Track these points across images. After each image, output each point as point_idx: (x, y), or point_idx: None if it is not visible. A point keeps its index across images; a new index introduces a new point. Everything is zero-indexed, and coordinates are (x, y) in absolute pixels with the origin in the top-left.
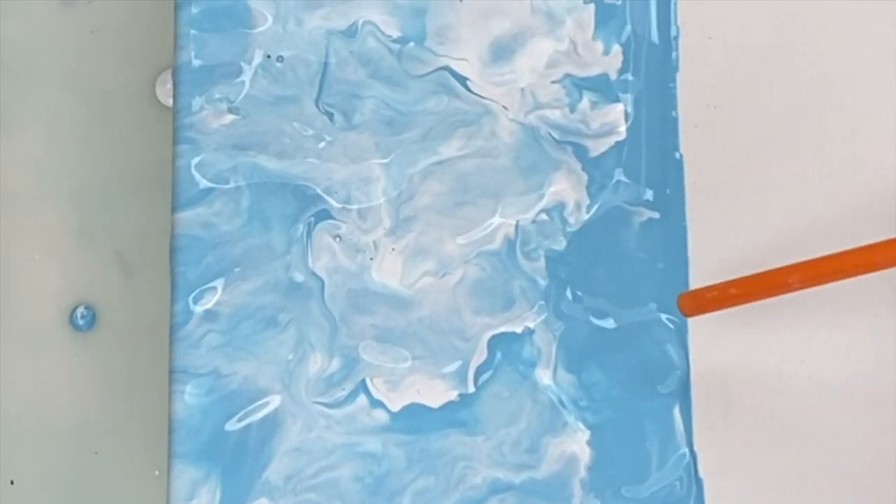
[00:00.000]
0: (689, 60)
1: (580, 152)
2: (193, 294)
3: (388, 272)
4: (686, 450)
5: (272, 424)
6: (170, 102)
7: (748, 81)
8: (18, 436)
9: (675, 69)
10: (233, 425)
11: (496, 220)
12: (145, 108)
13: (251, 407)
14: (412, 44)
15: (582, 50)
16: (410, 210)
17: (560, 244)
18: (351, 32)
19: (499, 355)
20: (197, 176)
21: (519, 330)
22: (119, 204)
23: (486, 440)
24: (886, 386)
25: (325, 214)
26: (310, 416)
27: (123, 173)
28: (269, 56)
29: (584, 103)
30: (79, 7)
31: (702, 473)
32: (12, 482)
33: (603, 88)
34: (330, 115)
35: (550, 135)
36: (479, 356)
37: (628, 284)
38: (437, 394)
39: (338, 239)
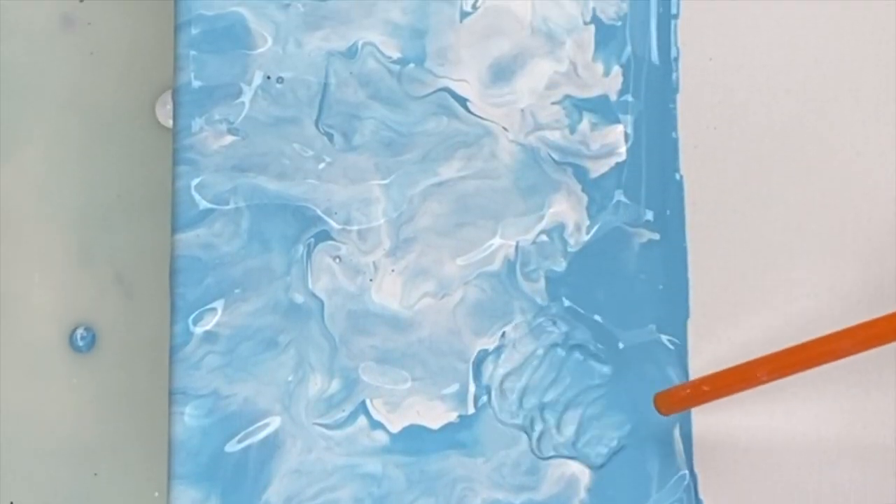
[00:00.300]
0: (690, 81)
1: (580, 173)
2: (193, 315)
3: (387, 293)
4: (686, 471)
5: (272, 446)
6: (170, 123)
7: (748, 103)
8: (18, 457)
9: (676, 90)
10: (233, 446)
11: (496, 241)
12: (145, 129)
13: (251, 428)
14: (412, 65)
15: (582, 71)
16: (410, 231)
17: (560, 265)
18: (351, 53)
19: None
20: (197, 197)
21: None
22: (119, 225)
23: (486, 462)
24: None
25: (324, 235)
26: (310, 438)
27: (123, 194)
28: (268, 77)
29: (584, 124)
30: (78, 28)
31: (702, 495)
32: (12, 503)
33: (603, 109)
34: (330, 136)
35: (550, 156)
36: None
37: (628, 305)
38: (436, 415)
39: (338, 260)
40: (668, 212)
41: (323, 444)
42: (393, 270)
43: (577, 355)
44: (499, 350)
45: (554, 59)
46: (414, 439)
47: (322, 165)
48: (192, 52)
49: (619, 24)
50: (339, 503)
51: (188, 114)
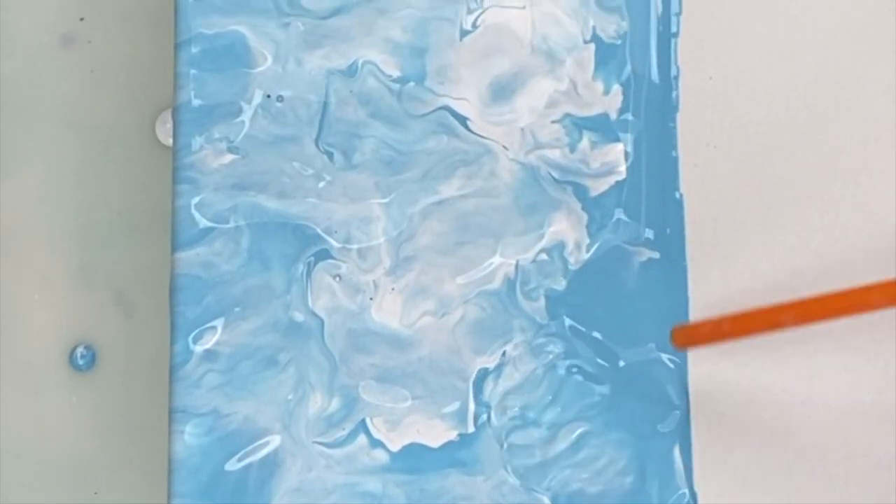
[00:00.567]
0: (690, 100)
1: (580, 192)
2: (193, 334)
3: (387, 312)
4: (686, 490)
5: (272, 464)
6: (169, 142)
7: (748, 121)
8: (18, 475)
9: (676, 109)
10: (233, 465)
11: (496, 259)
12: (145, 147)
13: (251, 447)
14: (412, 83)
15: (582, 90)
16: (410, 250)
17: (560, 284)
18: (351, 72)
19: None
20: (197, 215)
21: None
22: (119, 243)
23: (486, 480)
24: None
25: (324, 254)
26: (310, 456)
27: (123, 213)
28: (268, 96)
29: (584, 143)
30: (78, 47)
31: None
32: None
33: (603, 128)
34: (330, 155)
35: (550, 174)
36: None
37: (629, 324)
38: (436, 434)
39: (338, 279)
40: (668, 230)
41: (323, 462)
42: (393, 289)
43: (577, 374)
44: (499, 369)
45: (554, 77)
46: (414, 458)
47: (322, 184)
48: (193, 71)
49: (619, 42)
50: None
51: (188, 132)
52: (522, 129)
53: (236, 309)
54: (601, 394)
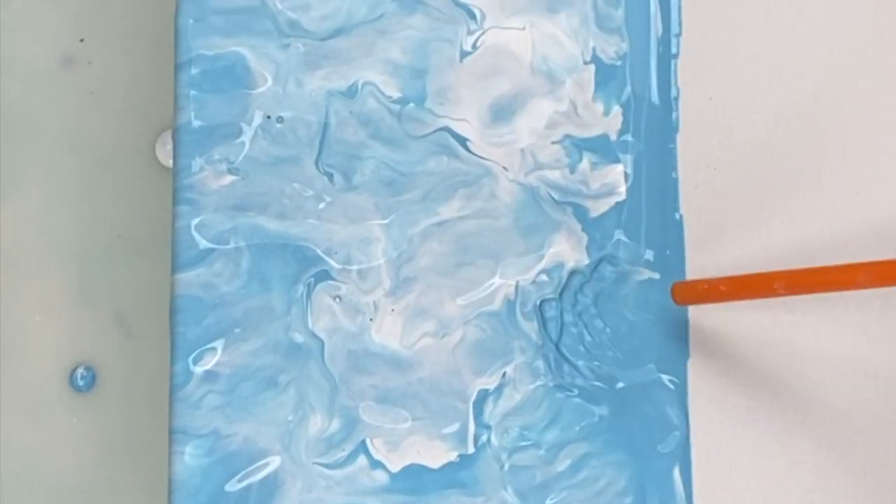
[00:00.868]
0: (690, 121)
1: (580, 213)
2: (193, 355)
3: (387, 333)
4: None
5: (272, 485)
6: (170, 163)
7: (748, 142)
8: (19, 497)
9: (676, 130)
10: (233, 486)
11: (496, 280)
12: (145, 168)
13: (251, 468)
14: (412, 104)
15: (582, 111)
16: (410, 271)
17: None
18: (351, 93)
19: None
20: (197, 236)
21: None
22: (119, 265)
23: (486, 501)
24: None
25: (324, 275)
26: (310, 477)
27: (123, 234)
28: (268, 117)
29: (584, 164)
30: (78, 68)
31: None
32: None
33: (603, 149)
34: (330, 176)
35: (550, 195)
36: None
37: (628, 345)
38: (436, 454)
39: (338, 300)
40: (667, 251)
41: (323, 483)
42: (393, 310)
43: (577, 395)
44: (499, 389)
45: (554, 98)
46: (414, 479)
47: (322, 205)
48: (193, 92)
49: (619, 63)
50: None
51: (188, 153)
52: (522, 150)
53: (236, 330)
54: (601, 415)
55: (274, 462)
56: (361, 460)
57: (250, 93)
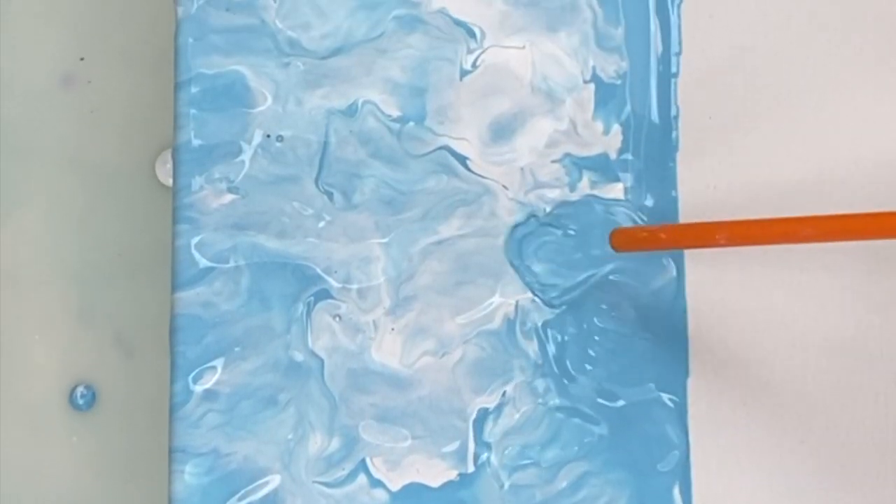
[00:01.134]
0: (690, 140)
1: None
2: (193, 374)
3: (387, 352)
4: None
5: None
6: (169, 182)
7: (748, 163)
8: None
9: (675, 149)
10: None
11: (496, 299)
12: (145, 187)
13: (251, 486)
14: (412, 123)
15: (582, 129)
16: (410, 290)
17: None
18: (351, 112)
19: None
20: (197, 255)
21: None
22: (119, 283)
23: None
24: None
25: (324, 294)
26: (310, 496)
27: (123, 253)
28: (268, 136)
29: (584, 182)
30: (78, 87)
31: None
32: None
33: (603, 168)
34: (330, 195)
35: None
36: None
37: (628, 364)
38: (436, 473)
39: (337, 318)
40: None
41: (323, 502)
42: (393, 329)
43: (577, 414)
44: (499, 408)
45: (554, 117)
46: (414, 497)
47: (322, 224)
48: (192, 111)
49: (619, 82)
50: None
51: (188, 172)
52: (522, 169)
53: (236, 349)
54: (601, 434)
55: (274, 481)
56: (361, 479)
57: (250, 111)
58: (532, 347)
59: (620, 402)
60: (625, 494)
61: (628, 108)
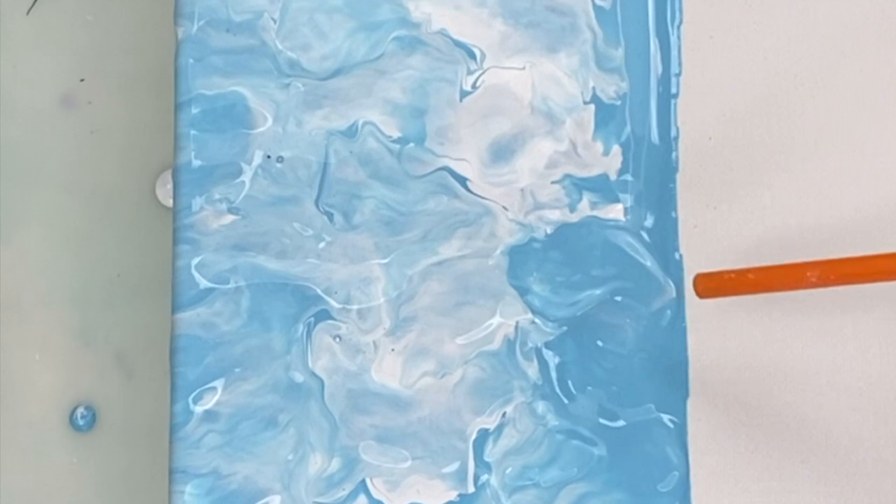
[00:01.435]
0: (689, 161)
1: None
2: (193, 394)
3: (387, 372)
4: None
5: None
6: (170, 203)
7: (748, 182)
8: None
9: (675, 169)
10: None
11: (496, 320)
12: (145, 208)
13: None
14: (412, 144)
15: (582, 150)
16: (410, 310)
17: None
18: (351, 133)
19: None
20: (197, 276)
21: None
22: (119, 304)
23: None
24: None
25: (324, 315)
26: None
27: (123, 274)
28: (268, 156)
29: (584, 203)
30: (78, 108)
31: None
32: None
33: (603, 188)
34: (330, 216)
35: None
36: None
37: (628, 384)
38: (436, 494)
39: (338, 339)
40: None
41: None
42: (393, 349)
43: (576, 435)
44: (499, 429)
45: (554, 138)
46: None
47: (322, 245)
48: (193, 132)
49: (619, 103)
50: None
51: (188, 193)
52: (522, 190)
53: (236, 369)
54: (600, 454)
55: (274, 501)
56: (361, 500)
57: (250, 132)
58: (532, 368)
59: (620, 423)
60: None
61: (628, 128)
